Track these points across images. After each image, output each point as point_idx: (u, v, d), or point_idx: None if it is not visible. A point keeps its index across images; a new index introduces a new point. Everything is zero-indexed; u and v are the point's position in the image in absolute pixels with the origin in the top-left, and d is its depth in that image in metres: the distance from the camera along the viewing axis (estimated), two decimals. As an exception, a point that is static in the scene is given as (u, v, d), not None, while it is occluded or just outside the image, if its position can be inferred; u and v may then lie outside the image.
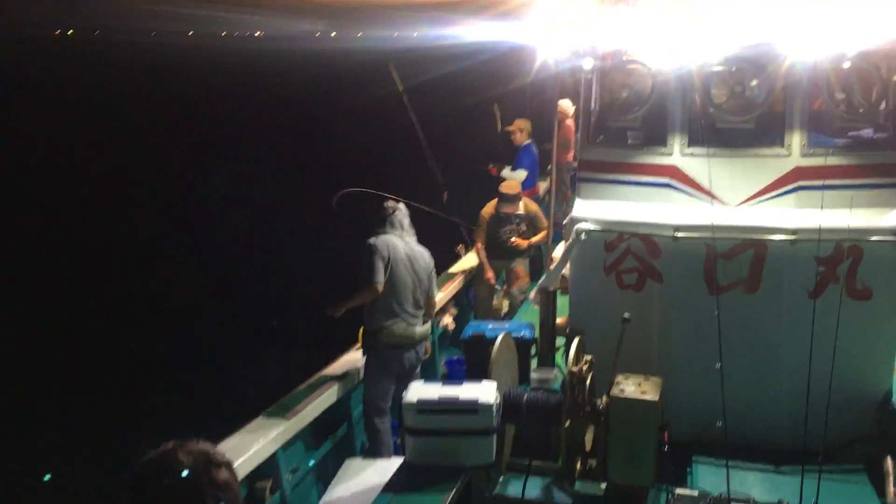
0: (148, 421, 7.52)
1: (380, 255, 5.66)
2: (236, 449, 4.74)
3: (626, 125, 5.80)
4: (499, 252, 8.47)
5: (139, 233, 14.16)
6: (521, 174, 10.09)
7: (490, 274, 8.35)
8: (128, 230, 14.22)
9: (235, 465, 1.99)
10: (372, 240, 5.77)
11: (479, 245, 8.47)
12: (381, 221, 5.93)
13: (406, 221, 6.03)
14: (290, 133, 14.74)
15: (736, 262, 5.18)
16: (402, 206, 6.10)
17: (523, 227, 8.43)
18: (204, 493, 1.85)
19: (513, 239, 8.38)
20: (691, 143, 5.42)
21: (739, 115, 5.49)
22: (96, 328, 10.85)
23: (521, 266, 8.50)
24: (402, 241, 5.86)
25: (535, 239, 8.47)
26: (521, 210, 8.39)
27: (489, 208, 8.50)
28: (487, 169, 10.16)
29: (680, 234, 5.20)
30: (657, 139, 5.57)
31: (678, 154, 5.43)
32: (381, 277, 5.63)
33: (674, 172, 5.43)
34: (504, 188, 8.40)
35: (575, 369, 4.68)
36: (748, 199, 5.31)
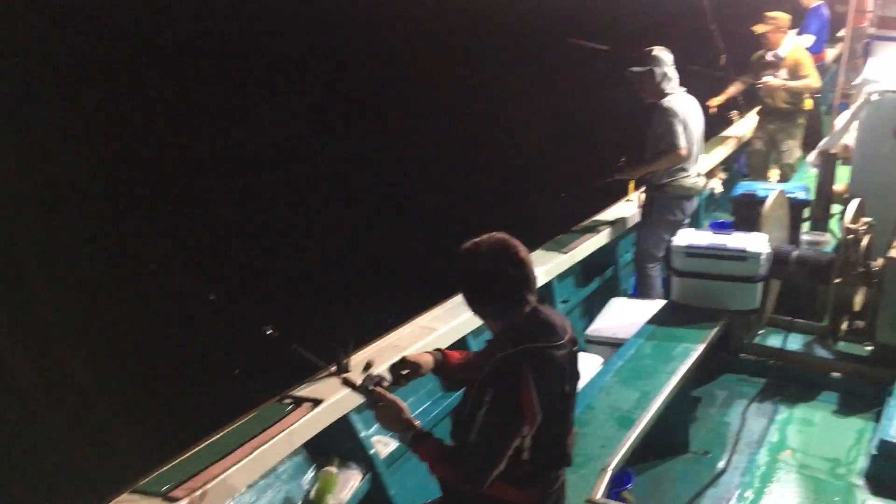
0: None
1: (678, 117, 5.63)
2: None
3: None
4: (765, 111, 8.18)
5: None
6: (808, 39, 9.47)
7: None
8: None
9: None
10: (666, 101, 5.68)
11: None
12: (658, 75, 5.69)
13: (675, 71, 5.81)
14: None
15: None
16: (666, 53, 5.79)
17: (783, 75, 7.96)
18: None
19: (764, 78, 7.96)
20: None
21: None
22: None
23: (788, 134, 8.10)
24: (681, 97, 5.81)
25: (791, 84, 7.94)
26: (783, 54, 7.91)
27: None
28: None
29: None
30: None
31: None
32: (684, 141, 5.62)
33: None
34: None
35: (852, 227, 4.65)
36: None
